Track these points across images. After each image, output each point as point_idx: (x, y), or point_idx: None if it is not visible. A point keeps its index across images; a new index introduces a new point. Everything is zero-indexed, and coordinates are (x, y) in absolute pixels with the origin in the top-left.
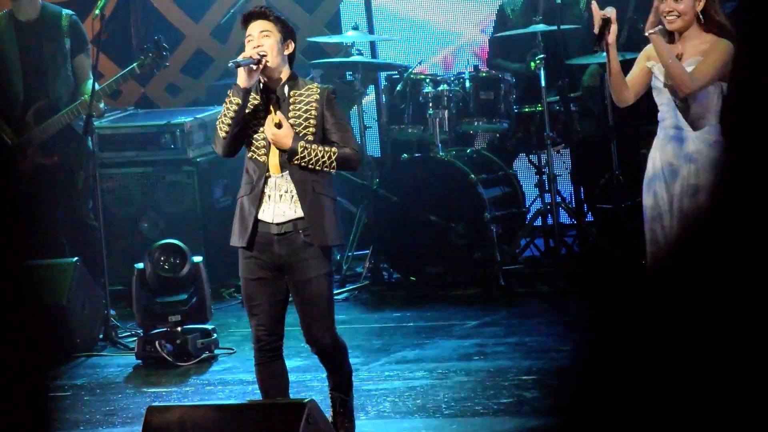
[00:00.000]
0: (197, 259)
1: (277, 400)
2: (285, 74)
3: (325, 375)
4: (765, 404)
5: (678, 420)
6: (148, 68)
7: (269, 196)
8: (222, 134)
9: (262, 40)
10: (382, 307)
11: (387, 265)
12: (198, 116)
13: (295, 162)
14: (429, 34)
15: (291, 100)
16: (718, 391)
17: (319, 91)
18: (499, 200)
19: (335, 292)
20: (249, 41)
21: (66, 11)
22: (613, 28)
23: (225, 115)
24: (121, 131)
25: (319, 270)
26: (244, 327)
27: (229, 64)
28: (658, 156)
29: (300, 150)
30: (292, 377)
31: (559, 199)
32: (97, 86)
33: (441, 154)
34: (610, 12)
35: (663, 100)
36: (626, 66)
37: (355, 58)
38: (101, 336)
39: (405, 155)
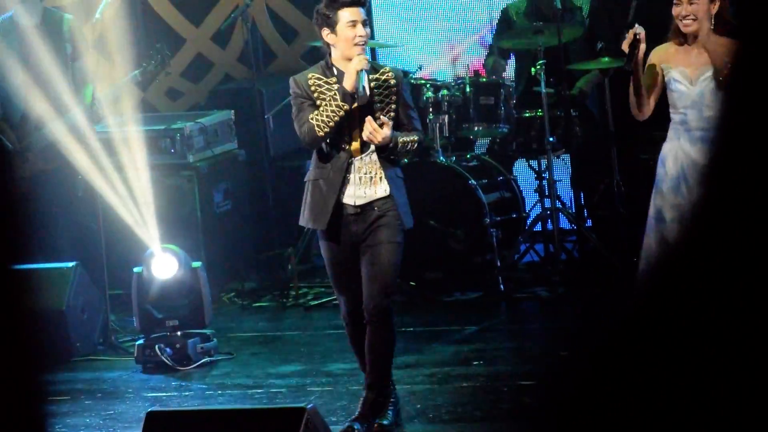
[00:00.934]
0: (196, 264)
1: (276, 406)
2: None
3: (324, 381)
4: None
5: (677, 426)
6: (150, 75)
7: (350, 179)
8: (321, 133)
9: (365, 29)
10: None
11: None
12: (198, 121)
13: (384, 153)
14: (430, 39)
15: (372, 84)
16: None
17: (394, 75)
18: (499, 205)
19: (335, 296)
20: (351, 26)
21: (67, 15)
22: (642, 47)
23: (329, 116)
24: (121, 136)
25: (390, 237)
26: (243, 331)
27: (359, 94)
28: (682, 157)
29: (395, 145)
30: (291, 381)
31: (558, 204)
32: (98, 94)
33: (441, 159)
34: (640, 31)
35: (686, 102)
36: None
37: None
38: (101, 340)
39: (405, 160)
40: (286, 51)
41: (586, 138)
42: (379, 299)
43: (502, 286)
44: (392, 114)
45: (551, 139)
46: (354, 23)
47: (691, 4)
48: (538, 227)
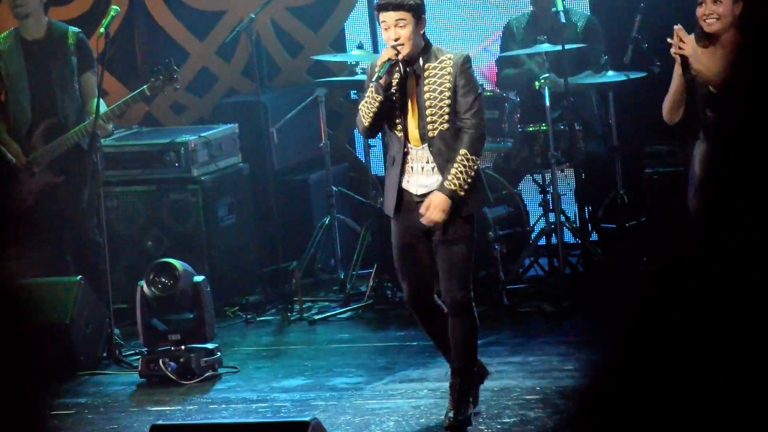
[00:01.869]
0: (198, 278)
1: (280, 420)
2: (421, 48)
3: (328, 395)
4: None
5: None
6: (158, 90)
7: (411, 168)
8: (366, 123)
9: (398, 32)
10: (386, 325)
11: (390, 284)
12: (202, 135)
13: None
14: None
15: (426, 74)
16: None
17: (452, 62)
18: (503, 219)
19: (339, 310)
20: (386, 29)
21: (72, 29)
22: (687, 47)
23: (368, 107)
24: (126, 149)
25: (458, 233)
26: (247, 345)
27: (373, 81)
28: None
29: (454, 195)
30: (295, 395)
31: (563, 218)
32: (104, 107)
33: None
34: (679, 30)
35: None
36: (632, 84)
37: (360, 77)
38: (105, 354)
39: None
40: (291, 65)
41: (590, 152)
42: (457, 293)
43: (506, 301)
44: (447, 102)
45: (555, 153)
46: (387, 27)
47: (714, 3)
48: (543, 241)
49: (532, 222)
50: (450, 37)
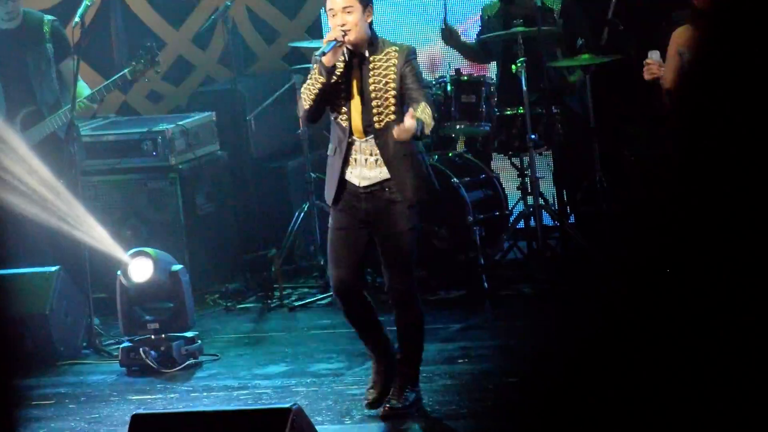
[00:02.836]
0: (176, 267)
1: (261, 406)
2: (367, 39)
3: (309, 381)
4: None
5: (660, 419)
6: (140, 75)
7: (355, 160)
8: (306, 105)
9: (345, 18)
10: None
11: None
12: (179, 123)
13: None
14: (410, 38)
15: (371, 65)
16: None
17: (397, 54)
18: (482, 203)
19: (321, 296)
20: (332, 15)
21: (48, 17)
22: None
23: (310, 90)
24: (103, 139)
25: (403, 225)
26: (228, 333)
27: (315, 55)
28: None
29: (422, 130)
30: (276, 382)
31: (541, 201)
32: (88, 90)
33: None
34: (656, 61)
35: None
36: (608, 66)
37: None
38: (85, 344)
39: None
40: (267, 52)
41: (567, 135)
42: (400, 284)
43: (485, 284)
44: (392, 93)
45: (533, 136)
46: (333, 13)
47: None
48: (521, 225)
49: (510, 205)
50: (427, 25)
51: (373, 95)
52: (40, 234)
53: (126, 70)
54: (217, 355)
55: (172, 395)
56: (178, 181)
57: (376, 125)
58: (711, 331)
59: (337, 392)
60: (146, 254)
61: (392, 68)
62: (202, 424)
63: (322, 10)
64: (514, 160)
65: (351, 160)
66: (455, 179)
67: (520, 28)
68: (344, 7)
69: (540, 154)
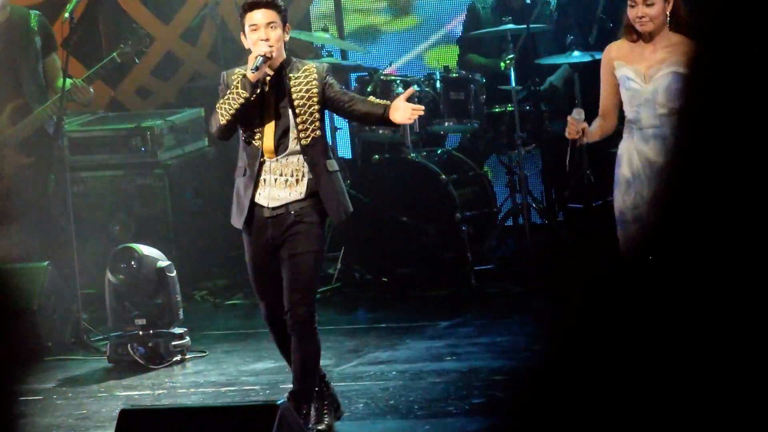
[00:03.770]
0: (163, 263)
1: (249, 402)
2: (282, 59)
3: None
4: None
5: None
6: (128, 57)
7: (264, 180)
8: (222, 120)
9: (269, 33)
10: (354, 308)
11: (359, 266)
12: (168, 119)
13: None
14: (399, 35)
15: (291, 83)
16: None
17: (316, 70)
18: (470, 200)
19: None
20: (254, 30)
21: (34, 11)
22: (584, 129)
23: (229, 104)
24: (92, 134)
25: (307, 247)
26: (216, 329)
27: (250, 70)
28: (635, 157)
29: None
30: (264, 379)
31: (530, 199)
32: (78, 82)
33: (412, 154)
34: (579, 122)
35: (640, 101)
36: (597, 64)
37: (326, 59)
38: (73, 339)
39: (376, 156)
40: None
41: (556, 132)
42: (299, 309)
43: (473, 281)
44: (316, 107)
45: (521, 134)
46: (256, 28)
47: (647, 6)
48: (510, 222)
49: (499, 203)
50: (416, 21)
51: (298, 110)
52: (29, 227)
53: (114, 53)
54: (205, 352)
55: (159, 391)
56: (167, 177)
57: (303, 141)
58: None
59: None
60: (134, 250)
61: (314, 82)
62: (190, 420)
63: (311, 7)
64: (502, 157)
65: (261, 181)
66: (443, 176)
67: (510, 26)
68: (268, 23)
69: (528, 151)
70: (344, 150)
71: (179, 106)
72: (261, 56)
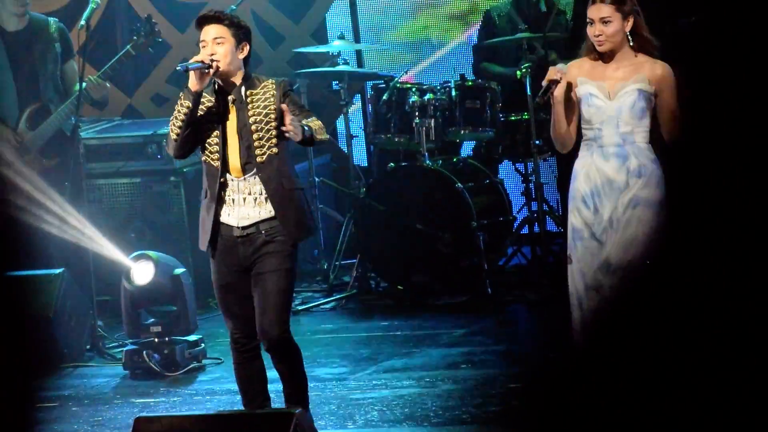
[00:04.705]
0: (179, 270)
1: (265, 410)
2: (240, 76)
3: (312, 385)
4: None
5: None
6: (143, 47)
7: (233, 200)
8: (173, 136)
9: (215, 48)
10: (370, 315)
11: (374, 273)
12: None
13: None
14: (415, 43)
15: (248, 100)
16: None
17: (274, 86)
18: (486, 208)
19: (322, 301)
20: (203, 47)
21: (52, 18)
22: (561, 84)
23: (176, 118)
24: (108, 142)
25: (279, 265)
26: None
27: (178, 67)
28: (594, 174)
29: (311, 136)
30: (279, 386)
31: (545, 207)
32: (94, 78)
33: (427, 162)
34: (560, 70)
35: (603, 117)
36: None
37: (341, 67)
38: (88, 347)
39: (391, 164)
40: (272, 56)
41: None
42: (274, 331)
43: (489, 289)
44: (273, 123)
45: (537, 142)
46: (204, 44)
47: (604, 24)
48: (525, 230)
49: (515, 211)
50: (432, 29)
51: (253, 128)
52: (46, 235)
53: (129, 46)
54: (220, 359)
55: (175, 398)
56: (182, 184)
57: (258, 159)
58: (716, 332)
59: (341, 396)
60: (149, 257)
61: (271, 99)
62: (205, 427)
63: (327, 15)
64: (518, 165)
65: (228, 200)
66: (459, 184)
67: (526, 34)
68: (215, 38)
69: (544, 159)
70: (360, 157)
71: None
72: (198, 62)
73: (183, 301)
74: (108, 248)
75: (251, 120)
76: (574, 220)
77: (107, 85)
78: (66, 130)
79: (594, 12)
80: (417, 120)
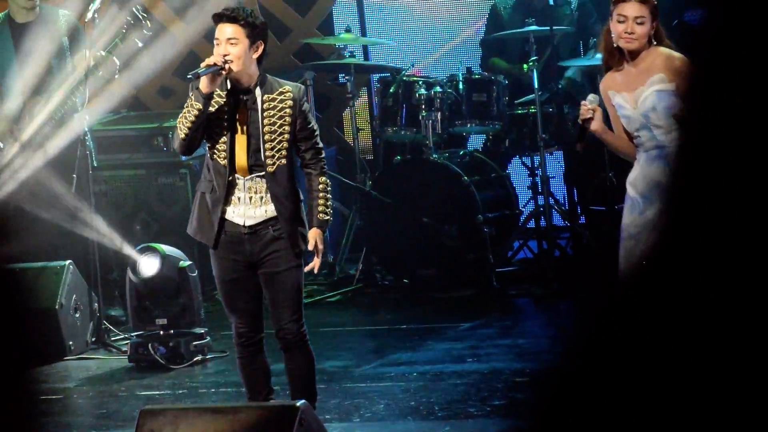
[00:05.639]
0: (184, 263)
1: (270, 403)
2: (254, 75)
3: (317, 378)
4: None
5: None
6: (131, 37)
7: (239, 198)
8: (181, 135)
9: (229, 48)
10: (375, 309)
11: (380, 267)
12: None
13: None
14: (422, 36)
15: (264, 105)
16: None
17: (292, 95)
18: (492, 202)
19: (328, 294)
20: (217, 45)
21: (63, 11)
22: (597, 115)
23: (186, 117)
24: (113, 134)
25: (290, 262)
26: None
27: (189, 75)
28: (640, 180)
29: (326, 224)
30: (284, 379)
31: (552, 201)
32: (100, 54)
33: (434, 156)
34: (591, 104)
35: (636, 125)
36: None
37: (348, 60)
38: (93, 339)
39: (398, 157)
40: (279, 48)
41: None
42: (291, 325)
43: (495, 283)
44: (286, 136)
45: (544, 135)
46: (218, 42)
47: (637, 23)
48: (532, 224)
49: (521, 205)
50: (439, 22)
51: (267, 137)
52: (51, 227)
53: (117, 39)
54: (225, 352)
55: (180, 391)
56: (188, 177)
57: (269, 168)
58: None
59: (346, 390)
60: (155, 250)
61: (288, 110)
62: (210, 419)
63: (334, 8)
64: (524, 159)
65: (233, 199)
66: (465, 178)
67: (533, 27)
68: (228, 38)
69: (551, 153)
70: (366, 150)
71: None
72: (209, 65)
73: (189, 293)
74: (114, 240)
75: (266, 128)
76: (625, 221)
77: (116, 60)
78: (70, 120)
79: (629, 10)
80: (423, 113)
